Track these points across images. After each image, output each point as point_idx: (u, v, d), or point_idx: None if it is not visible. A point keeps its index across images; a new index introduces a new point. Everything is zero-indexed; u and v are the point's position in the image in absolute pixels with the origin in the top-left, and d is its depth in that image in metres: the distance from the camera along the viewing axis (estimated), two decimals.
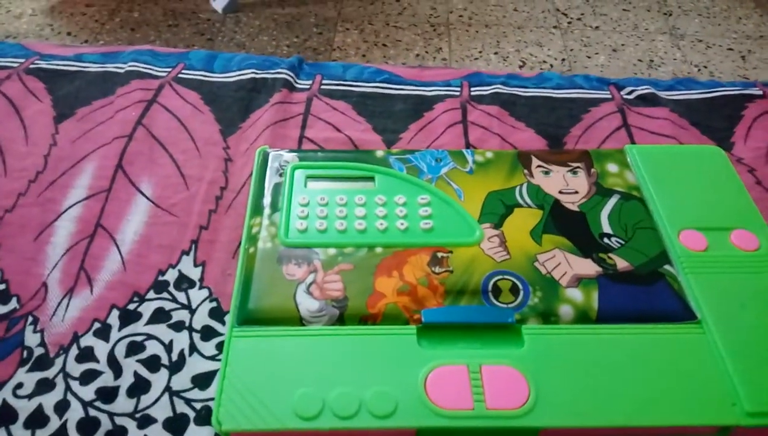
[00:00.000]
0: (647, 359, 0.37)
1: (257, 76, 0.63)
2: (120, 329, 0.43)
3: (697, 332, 0.38)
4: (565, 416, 0.34)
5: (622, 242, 0.43)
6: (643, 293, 0.40)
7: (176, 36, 1.58)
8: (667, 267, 0.41)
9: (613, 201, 0.45)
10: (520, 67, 1.54)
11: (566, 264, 0.41)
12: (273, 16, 1.69)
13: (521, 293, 0.40)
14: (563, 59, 1.63)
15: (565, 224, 0.44)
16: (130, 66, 0.63)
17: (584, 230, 0.43)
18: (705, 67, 1.61)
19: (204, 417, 0.39)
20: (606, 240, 0.43)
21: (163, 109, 0.59)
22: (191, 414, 0.39)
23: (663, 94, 0.63)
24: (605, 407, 0.35)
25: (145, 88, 0.61)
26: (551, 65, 1.58)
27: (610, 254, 0.42)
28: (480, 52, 1.64)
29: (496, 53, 1.64)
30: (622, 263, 0.41)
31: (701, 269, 0.41)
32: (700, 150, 0.51)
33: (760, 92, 0.62)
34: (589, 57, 1.64)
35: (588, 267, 0.41)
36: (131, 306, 0.44)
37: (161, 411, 0.39)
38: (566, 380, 0.36)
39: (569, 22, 1.76)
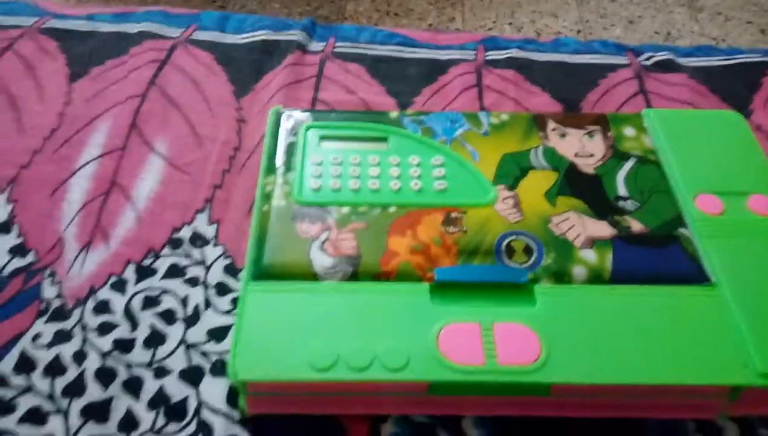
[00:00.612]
0: (660, 319, 0.37)
1: (270, 38, 0.62)
2: (136, 283, 0.43)
3: (710, 294, 0.38)
4: (576, 373, 0.35)
5: (638, 205, 0.42)
6: (657, 255, 0.40)
7: (187, 3, 1.57)
8: (682, 230, 0.41)
9: (629, 164, 0.45)
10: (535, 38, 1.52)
11: (580, 226, 0.41)
12: None
13: (534, 253, 0.40)
14: (579, 30, 1.61)
15: (580, 186, 0.44)
16: (142, 26, 0.63)
17: (599, 193, 0.43)
18: (723, 40, 1.58)
19: (219, 369, 0.39)
20: (621, 203, 0.43)
21: (177, 70, 0.59)
22: (207, 366, 0.40)
23: (681, 60, 0.62)
24: (616, 365, 0.35)
25: (158, 48, 0.61)
26: (565, 36, 1.56)
27: (625, 217, 0.42)
28: (494, 22, 1.61)
29: (510, 24, 1.62)
30: (637, 226, 0.41)
31: (716, 233, 0.41)
32: (719, 115, 0.50)
33: None
34: (605, 29, 1.61)
35: (602, 229, 0.41)
36: (146, 262, 0.44)
37: (177, 362, 0.40)
38: (578, 338, 0.36)
39: None
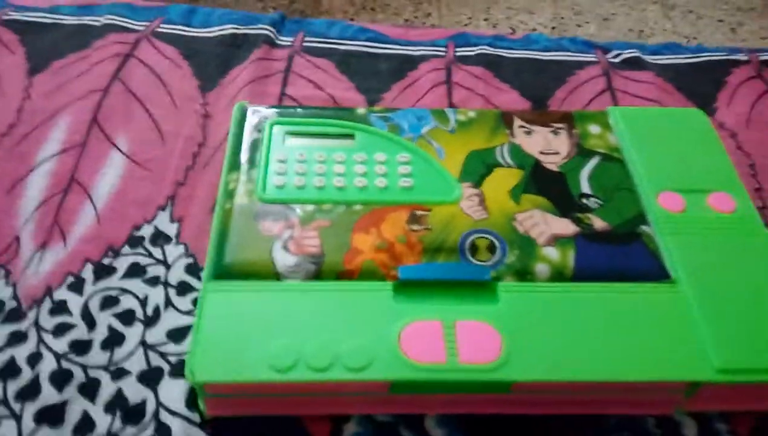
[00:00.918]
0: (620, 316, 0.37)
1: (238, 31, 0.61)
2: (94, 282, 0.42)
3: (671, 291, 0.38)
4: (537, 370, 0.35)
5: (601, 203, 0.43)
6: (619, 253, 0.40)
7: None
8: (644, 227, 0.41)
9: (593, 162, 0.45)
10: (510, 35, 1.53)
11: (544, 223, 0.41)
12: None
13: (498, 251, 0.40)
14: (553, 27, 1.62)
15: (545, 184, 0.44)
16: (106, 19, 0.61)
17: (563, 191, 0.43)
18: (695, 38, 1.61)
19: (179, 370, 0.38)
20: (585, 200, 0.43)
21: (140, 64, 0.57)
22: (166, 367, 0.39)
23: (649, 58, 0.62)
24: (577, 362, 0.35)
25: (122, 41, 0.59)
26: (539, 33, 1.56)
27: (588, 214, 0.42)
28: (469, 18, 1.62)
29: (486, 19, 1.62)
30: (599, 223, 0.41)
31: (678, 230, 0.41)
32: (683, 113, 0.51)
33: (746, 58, 0.62)
34: (579, 26, 1.62)
35: (565, 227, 0.41)
36: (106, 260, 0.43)
37: (136, 364, 0.39)
38: (540, 335, 0.36)
39: None
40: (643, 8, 1.70)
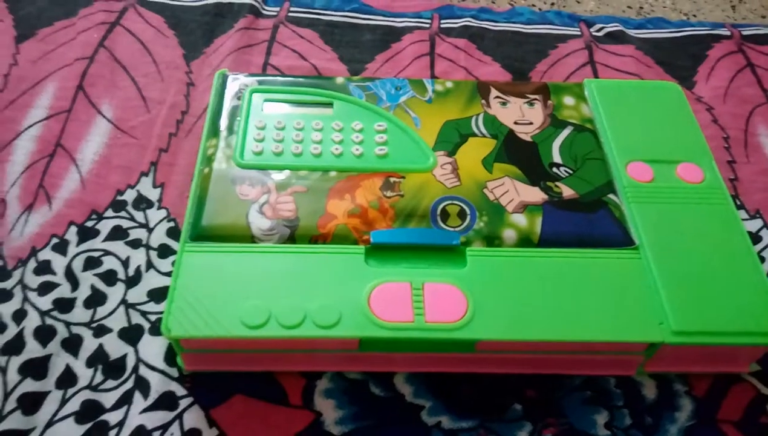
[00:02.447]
0: (583, 280, 0.38)
1: (223, 1, 0.62)
2: (78, 244, 0.44)
3: (633, 257, 0.40)
4: (499, 330, 0.36)
5: (571, 172, 0.44)
6: (585, 220, 0.41)
7: None
8: (611, 196, 0.42)
9: (565, 132, 0.46)
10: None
11: (514, 191, 0.42)
12: None
13: (468, 217, 0.41)
14: (552, 3, 1.60)
15: (517, 153, 0.45)
16: None
17: (535, 160, 0.44)
18: (694, 15, 1.59)
19: (158, 328, 0.40)
20: (555, 170, 0.44)
21: (126, 32, 0.58)
22: (146, 325, 0.40)
23: (632, 32, 0.63)
24: (538, 323, 0.37)
25: (108, 10, 0.60)
26: (540, 9, 1.55)
27: (558, 183, 0.43)
28: None
29: None
30: (568, 191, 0.43)
31: (645, 199, 0.42)
32: (657, 86, 0.51)
33: (728, 33, 0.62)
34: (578, 2, 1.60)
35: (535, 195, 0.42)
36: (89, 223, 0.45)
37: (117, 322, 0.40)
38: (504, 298, 0.37)
39: None
40: None
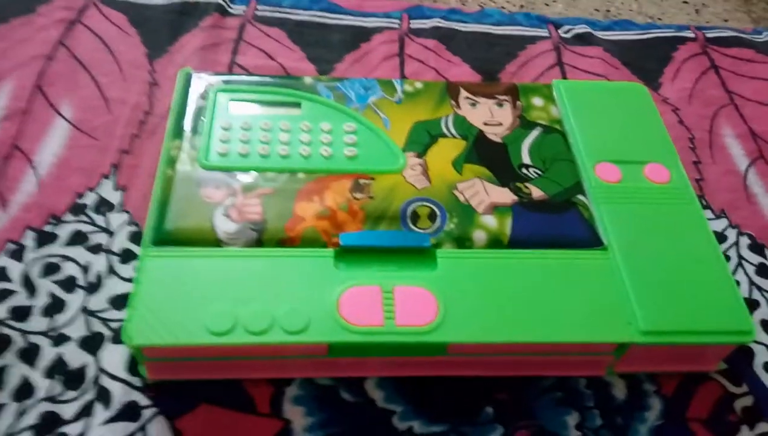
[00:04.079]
0: (553, 281, 0.38)
1: None
2: (35, 249, 0.42)
3: (602, 257, 0.40)
4: (470, 332, 0.36)
5: (540, 173, 0.44)
6: (554, 221, 0.41)
7: None
8: (579, 197, 0.43)
9: (534, 134, 0.46)
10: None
11: (484, 193, 0.42)
12: None
13: (438, 218, 0.41)
14: (521, 6, 1.62)
15: (487, 154, 0.45)
16: None
17: (504, 161, 0.44)
18: (659, 19, 1.63)
19: (119, 336, 0.38)
20: (524, 171, 0.44)
21: (87, 30, 0.56)
22: (107, 333, 0.39)
23: (600, 34, 0.63)
24: (509, 324, 0.36)
25: (68, 7, 0.58)
26: (509, 11, 1.57)
27: (527, 184, 0.43)
28: None
29: None
30: (537, 193, 0.43)
31: (613, 200, 0.43)
32: (624, 87, 0.52)
33: (693, 35, 0.63)
34: (547, 5, 1.63)
35: (504, 196, 0.42)
36: (47, 228, 0.43)
37: (76, 330, 0.39)
38: (474, 300, 0.37)
39: None
40: None
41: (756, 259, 0.46)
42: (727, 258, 0.46)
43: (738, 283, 0.44)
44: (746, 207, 0.49)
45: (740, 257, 0.46)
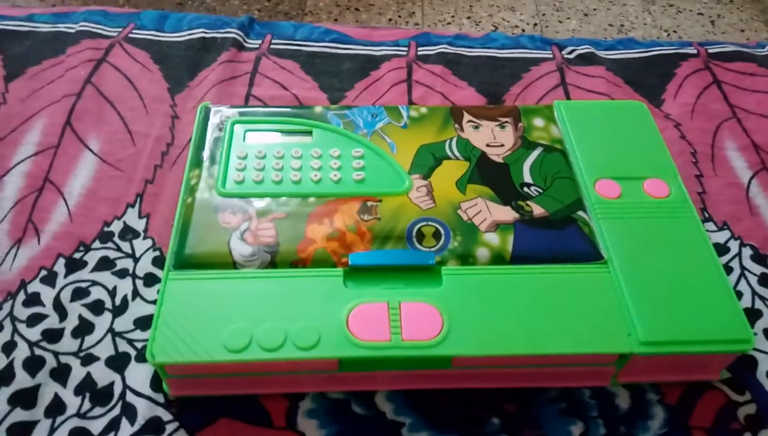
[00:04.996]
0: (554, 295, 0.40)
1: (207, 35, 0.64)
2: (66, 275, 0.45)
3: (602, 271, 0.41)
4: (474, 346, 0.37)
5: (541, 191, 0.45)
6: (555, 236, 0.43)
7: (145, 0, 1.56)
8: (580, 213, 0.44)
9: (536, 153, 0.48)
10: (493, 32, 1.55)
11: (486, 211, 0.44)
12: None
13: (443, 237, 0.42)
14: (535, 24, 1.64)
15: (490, 174, 0.46)
16: (81, 26, 0.64)
17: (506, 180, 0.46)
18: (674, 31, 1.63)
19: (144, 355, 0.41)
20: (526, 189, 0.46)
21: (113, 68, 0.60)
22: (132, 353, 0.42)
23: (602, 53, 0.65)
24: (512, 337, 0.38)
25: (95, 47, 0.62)
26: (523, 30, 1.59)
27: (528, 202, 0.45)
28: (452, 16, 1.64)
29: (468, 18, 1.65)
30: (538, 210, 0.44)
31: (613, 215, 0.44)
32: (624, 105, 0.53)
33: (695, 51, 0.65)
34: (560, 21, 1.65)
35: (507, 214, 0.44)
36: (77, 255, 0.46)
37: (104, 350, 0.41)
38: (478, 314, 0.39)
39: None
40: (623, 3, 1.73)
41: (758, 269, 0.47)
42: (730, 269, 0.47)
43: (741, 293, 0.45)
44: (749, 218, 0.50)
45: (743, 267, 0.47)
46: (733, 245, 0.49)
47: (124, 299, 0.44)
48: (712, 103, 0.59)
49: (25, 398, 0.39)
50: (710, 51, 0.65)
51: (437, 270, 0.41)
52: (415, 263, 0.41)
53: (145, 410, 0.39)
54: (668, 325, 0.39)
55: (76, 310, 0.43)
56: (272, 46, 0.64)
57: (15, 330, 0.42)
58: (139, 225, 0.48)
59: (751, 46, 0.66)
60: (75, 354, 0.41)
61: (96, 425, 0.38)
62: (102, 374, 0.40)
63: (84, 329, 0.42)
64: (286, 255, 0.41)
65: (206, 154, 0.47)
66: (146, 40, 0.63)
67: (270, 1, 1.64)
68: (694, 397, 0.41)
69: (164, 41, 0.63)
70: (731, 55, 0.64)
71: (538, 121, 0.50)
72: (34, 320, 0.42)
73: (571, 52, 0.65)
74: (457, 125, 0.50)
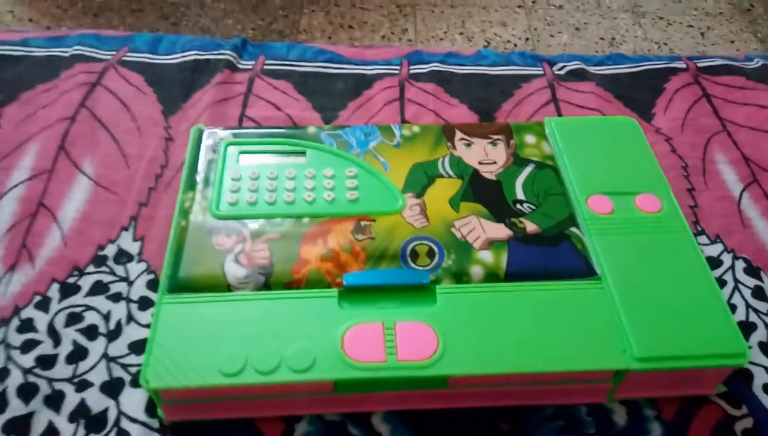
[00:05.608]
0: (548, 312, 0.40)
1: (200, 57, 0.64)
2: (60, 301, 0.45)
3: (596, 287, 0.41)
4: (469, 365, 0.37)
5: (534, 208, 0.46)
6: (548, 253, 0.43)
7: (140, 21, 1.57)
8: (573, 229, 0.44)
9: (528, 170, 0.48)
10: (485, 47, 1.56)
11: (480, 229, 0.44)
12: None
13: (437, 256, 0.43)
14: (527, 39, 1.66)
15: (482, 192, 0.47)
16: (74, 50, 0.64)
17: (499, 198, 0.46)
18: (665, 44, 1.65)
19: (138, 380, 0.41)
20: (519, 206, 0.46)
21: (106, 91, 0.60)
22: (127, 378, 0.41)
23: (592, 69, 0.65)
24: (507, 356, 0.38)
25: (89, 71, 0.62)
26: (515, 45, 1.60)
27: (521, 219, 0.45)
28: (445, 32, 1.65)
29: (461, 33, 1.66)
30: (531, 227, 0.44)
31: (605, 230, 0.44)
32: (614, 121, 0.54)
33: (684, 65, 0.65)
34: (552, 36, 1.66)
35: (500, 231, 0.44)
36: (71, 280, 0.46)
37: (98, 376, 0.41)
38: (473, 332, 0.39)
39: (533, 1, 1.78)
40: (614, 17, 1.75)
41: (752, 282, 0.47)
42: (724, 282, 0.47)
43: (735, 306, 0.45)
44: (741, 231, 0.50)
45: (736, 280, 0.47)
46: (726, 258, 0.49)
47: (118, 324, 0.44)
48: (702, 117, 0.60)
49: (19, 426, 0.39)
50: (699, 65, 0.65)
51: (432, 289, 0.41)
52: (410, 282, 0.41)
53: (139, 435, 0.39)
54: (663, 340, 0.39)
55: (70, 335, 0.43)
56: (265, 67, 0.64)
57: (9, 357, 0.42)
58: (133, 248, 0.48)
59: (739, 59, 0.67)
60: (69, 380, 0.41)
61: None
62: (96, 400, 0.40)
63: (78, 354, 0.42)
64: (280, 276, 0.41)
65: (200, 176, 0.47)
66: (140, 62, 0.64)
67: (264, 21, 1.65)
68: (691, 412, 0.40)
69: (158, 63, 0.64)
70: (720, 68, 0.65)
71: (530, 138, 0.51)
72: (27, 347, 0.42)
73: (561, 68, 0.66)
74: (449, 143, 0.50)
